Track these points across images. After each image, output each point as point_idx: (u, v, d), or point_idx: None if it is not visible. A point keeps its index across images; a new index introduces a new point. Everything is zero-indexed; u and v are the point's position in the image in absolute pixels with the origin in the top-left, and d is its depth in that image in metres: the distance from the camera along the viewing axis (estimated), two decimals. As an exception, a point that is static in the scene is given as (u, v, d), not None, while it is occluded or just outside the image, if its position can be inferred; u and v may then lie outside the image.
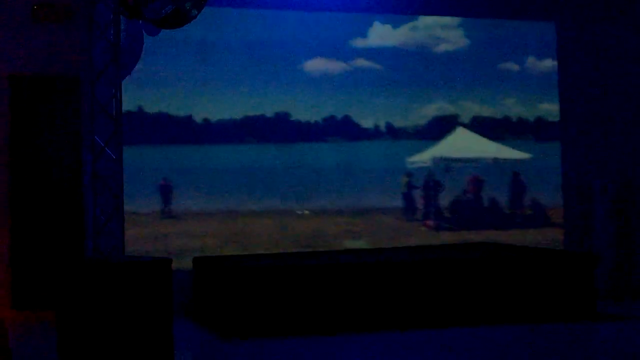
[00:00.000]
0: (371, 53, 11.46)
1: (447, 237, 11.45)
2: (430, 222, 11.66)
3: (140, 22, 7.80)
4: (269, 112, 11.07)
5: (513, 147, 11.73)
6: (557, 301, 8.52)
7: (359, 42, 11.46)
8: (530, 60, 11.72)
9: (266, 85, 10.96)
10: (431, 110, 11.71)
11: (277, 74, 10.99)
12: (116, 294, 5.84)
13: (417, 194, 11.69)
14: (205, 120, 10.74)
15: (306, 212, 11.14)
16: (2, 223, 9.01)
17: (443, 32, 11.75)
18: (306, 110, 11.17)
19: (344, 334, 7.71)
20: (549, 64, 11.63)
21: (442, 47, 11.74)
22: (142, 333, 5.91)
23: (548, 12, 11.22)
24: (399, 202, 11.59)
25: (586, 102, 11.06)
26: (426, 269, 8.34)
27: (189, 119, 10.63)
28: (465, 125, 11.78)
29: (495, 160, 11.77)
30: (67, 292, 5.95)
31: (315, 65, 11.29)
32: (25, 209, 9.10)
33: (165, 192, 10.62)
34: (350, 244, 11.09)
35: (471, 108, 11.73)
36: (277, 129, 11.05)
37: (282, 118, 11.08)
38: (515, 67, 11.69)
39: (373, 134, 11.49)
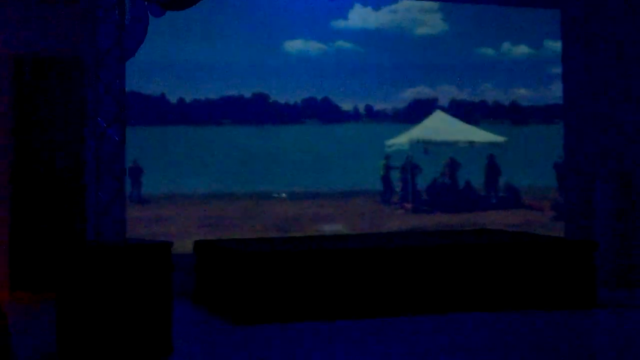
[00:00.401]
0: (351, 35, 10.88)
1: (424, 219, 11.02)
2: (407, 205, 11.21)
3: (146, 3, 7.47)
4: (247, 93, 10.45)
5: (489, 131, 11.34)
6: (557, 289, 8.20)
7: (339, 24, 10.90)
8: (506, 46, 11.30)
9: (244, 66, 10.32)
10: (410, 93, 11.18)
11: (256, 54, 10.37)
12: (116, 276, 5.65)
13: (395, 177, 11.25)
14: (180, 100, 10.12)
15: (283, 195, 10.62)
16: (3, 205, 8.68)
17: (422, 15, 11.24)
18: (285, 91, 10.55)
19: (350, 320, 7.45)
20: (525, 50, 11.23)
21: (422, 31, 11.23)
22: (142, 316, 5.74)
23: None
24: (377, 185, 11.10)
25: (590, 91, 10.68)
26: (427, 256, 8.01)
27: (162, 98, 10.04)
28: (443, 109, 11.34)
29: (472, 143, 11.36)
30: (67, 274, 5.77)
31: (295, 46, 10.68)
32: (27, 190, 8.78)
33: (135, 174, 9.98)
34: (328, 227, 10.55)
35: (449, 91, 11.27)
36: (255, 111, 10.50)
37: (260, 99, 10.48)
38: (491, 51, 11.26)
39: (352, 116, 10.95)
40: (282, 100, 10.65)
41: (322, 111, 10.78)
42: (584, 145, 10.63)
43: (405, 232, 10.23)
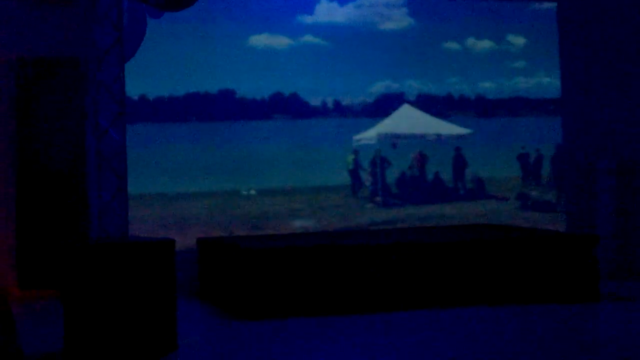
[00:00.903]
0: (318, 29, 10.22)
1: (394, 212, 10.46)
2: (377, 198, 10.66)
3: (144, 5, 7.19)
4: (212, 89, 9.78)
5: (455, 123, 10.87)
6: (560, 283, 7.74)
7: (306, 19, 10.23)
8: (471, 41, 10.83)
9: (209, 61, 9.58)
10: (378, 87, 10.59)
11: (221, 49, 9.67)
12: (120, 274, 5.43)
13: (364, 171, 10.71)
14: (142, 97, 9.45)
15: (252, 192, 9.99)
16: (8, 204, 8.38)
17: (388, 10, 10.65)
18: (252, 87, 9.89)
19: (356, 315, 7.09)
20: (487, 44, 10.77)
21: (388, 25, 10.66)
22: (146, 313, 5.51)
23: None
24: (346, 180, 10.52)
25: (587, 81, 10.03)
26: (431, 251, 7.58)
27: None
28: (410, 103, 10.79)
29: (439, 136, 10.87)
30: (71, 272, 5.51)
31: (261, 40, 10.01)
32: (31, 190, 8.45)
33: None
34: (298, 222, 9.98)
35: (416, 86, 10.74)
36: (222, 107, 9.84)
37: (227, 95, 9.81)
38: (456, 46, 10.77)
39: (320, 112, 10.36)
40: (249, 96, 9.98)
41: (290, 106, 10.15)
42: (582, 137, 10.04)
43: (408, 228, 9.69)
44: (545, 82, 10.72)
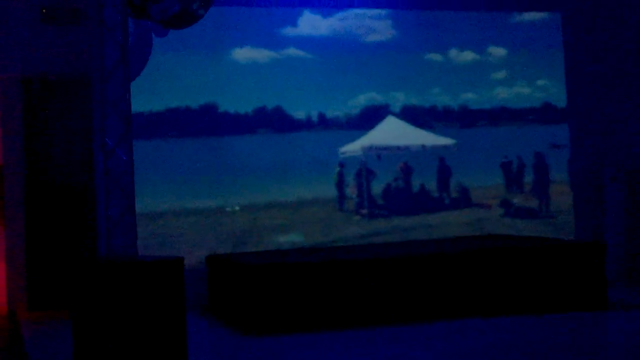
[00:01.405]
0: (302, 42, 9.60)
1: (380, 224, 9.91)
2: (363, 211, 10.08)
3: (149, 23, 6.97)
4: (194, 104, 9.12)
5: (439, 134, 10.35)
6: (568, 291, 7.51)
7: (288, 31, 9.61)
8: (453, 52, 10.32)
9: (190, 76, 8.95)
10: (362, 99, 10.03)
11: (202, 63, 9.03)
12: (129, 293, 5.28)
13: (350, 184, 10.10)
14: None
15: (236, 208, 9.34)
16: (17, 225, 8.13)
17: (372, 22, 10.10)
18: (235, 101, 9.25)
19: (361, 329, 6.86)
20: (470, 56, 10.29)
21: (372, 37, 10.11)
22: (156, 331, 5.36)
23: (553, 2, 10.14)
24: (331, 193, 9.88)
25: (593, 89, 9.85)
26: (439, 263, 7.36)
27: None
28: (395, 114, 10.24)
29: (423, 146, 10.35)
30: (81, 292, 5.40)
31: (244, 54, 9.35)
32: (39, 209, 8.20)
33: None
34: (283, 238, 9.36)
35: (400, 97, 10.19)
36: (204, 122, 9.20)
37: (209, 110, 9.14)
38: (439, 57, 10.25)
39: (305, 125, 9.74)
40: (231, 110, 9.35)
41: (274, 120, 9.52)
42: (590, 145, 9.83)
43: (414, 241, 9.32)
44: (525, 92, 10.39)
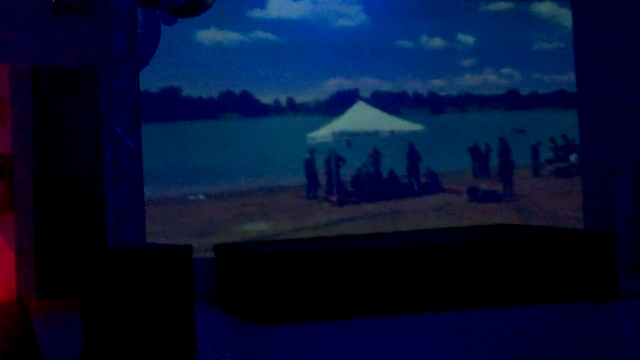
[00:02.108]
0: (270, 25, 8.69)
1: (350, 210, 9.12)
2: (333, 197, 9.29)
3: (158, 12, 6.71)
4: (154, 88, 8.18)
5: (409, 120, 9.63)
6: (578, 281, 7.15)
7: (256, 13, 8.71)
8: (424, 38, 9.58)
9: (153, 58, 7.98)
10: (332, 85, 9.18)
11: (164, 45, 8.02)
12: (138, 281, 5.06)
13: (319, 170, 9.30)
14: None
15: (201, 196, 8.50)
16: (26, 214, 7.75)
17: (342, 6, 9.27)
18: (199, 85, 8.31)
19: (373, 318, 6.55)
20: (440, 42, 9.59)
21: (342, 22, 9.27)
22: (165, 319, 5.12)
23: None
24: (300, 180, 9.04)
25: (603, 77, 9.33)
26: (449, 252, 6.97)
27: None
28: (365, 100, 9.46)
29: (392, 132, 9.62)
30: (90, 280, 5.16)
31: (209, 36, 8.40)
32: (48, 199, 7.80)
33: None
34: (250, 226, 8.56)
35: (370, 83, 9.42)
36: (167, 106, 8.31)
37: (172, 94, 8.25)
38: (410, 43, 9.50)
39: (273, 110, 8.91)
40: (195, 94, 8.46)
41: (241, 105, 8.66)
42: (600, 135, 9.33)
43: (423, 230, 8.77)
44: (492, 79, 9.83)
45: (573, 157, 9.70)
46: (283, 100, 8.90)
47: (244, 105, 8.62)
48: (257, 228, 8.48)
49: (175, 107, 8.28)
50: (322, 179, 9.19)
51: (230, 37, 8.54)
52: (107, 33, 5.74)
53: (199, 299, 6.20)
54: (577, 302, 6.95)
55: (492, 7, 9.74)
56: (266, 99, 8.77)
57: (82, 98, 7.87)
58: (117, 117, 5.81)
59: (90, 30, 7.73)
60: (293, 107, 8.94)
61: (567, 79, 9.59)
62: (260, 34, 8.71)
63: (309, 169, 9.09)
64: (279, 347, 5.79)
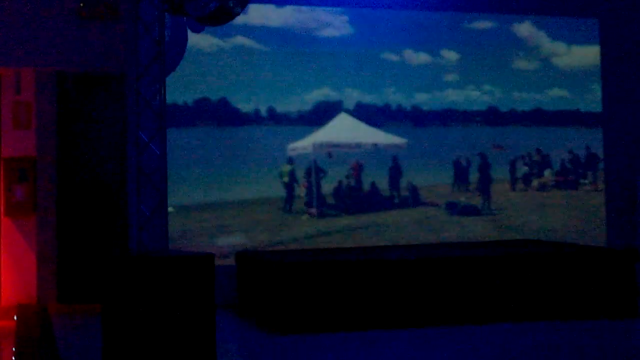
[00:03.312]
0: (251, 31, 7.76)
1: (329, 223, 8.20)
2: (312, 210, 8.29)
3: (185, 19, 6.18)
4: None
5: (391, 133, 8.74)
6: (599, 298, 6.73)
7: (237, 19, 7.69)
8: (408, 52, 8.71)
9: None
10: (315, 95, 8.26)
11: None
12: (160, 288, 4.68)
13: (299, 182, 8.26)
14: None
15: (170, 209, 7.34)
16: (49, 217, 7.28)
17: (327, 16, 8.31)
18: (175, 91, 7.24)
19: (391, 330, 6.11)
20: (425, 57, 8.78)
21: (327, 32, 8.31)
22: (186, 326, 4.73)
23: (591, 8, 9.11)
24: (279, 192, 8.07)
25: (629, 95, 8.88)
26: (470, 266, 6.56)
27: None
28: (348, 112, 8.51)
29: (375, 145, 8.69)
30: (111, 286, 4.77)
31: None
32: (71, 202, 7.33)
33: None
34: (223, 240, 7.55)
35: (354, 95, 8.48)
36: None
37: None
38: (394, 57, 8.60)
39: (253, 119, 7.89)
40: (169, 101, 7.39)
41: (218, 113, 7.66)
42: (624, 150, 8.89)
43: (444, 243, 8.26)
44: (474, 95, 9.08)
45: (547, 172, 9.04)
46: (263, 109, 7.90)
47: (221, 114, 7.61)
48: (230, 242, 7.48)
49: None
50: (302, 191, 8.15)
51: (208, 41, 7.56)
52: (135, 39, 5.35)
53: (219, 307, 5.59)
54: (598, 319, 6.51)
55: (476, 25, 8.99)
56: (245, 107, 7.76)
57: (107, 103, 7.38)
58: (143, 124, 5.45)
59: (117, 36, 7.26)
60: (274, 117, 7.94)
61: (543, 98, 8.96)
62: (240, 40, 7.73)
63: (289, 180, 8.05)
64: (296, 357, 5.49)
